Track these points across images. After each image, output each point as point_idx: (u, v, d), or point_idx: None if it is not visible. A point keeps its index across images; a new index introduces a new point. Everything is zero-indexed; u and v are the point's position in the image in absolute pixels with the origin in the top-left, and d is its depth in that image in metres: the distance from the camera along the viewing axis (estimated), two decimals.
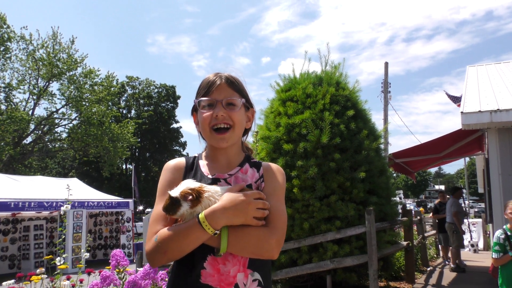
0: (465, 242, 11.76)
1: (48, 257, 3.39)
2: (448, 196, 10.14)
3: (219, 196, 1.26)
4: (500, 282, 4.03)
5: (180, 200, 1.24)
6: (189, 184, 1.27)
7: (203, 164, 1.46)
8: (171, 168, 1.45)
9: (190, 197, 1.24)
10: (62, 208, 3.52)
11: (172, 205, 1.25)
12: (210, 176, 1.40)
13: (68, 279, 3.46)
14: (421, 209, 17.38)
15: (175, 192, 1.25)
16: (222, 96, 1.40)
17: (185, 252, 1.25)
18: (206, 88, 1.42)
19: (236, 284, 1.27)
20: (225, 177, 1.40)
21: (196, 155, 1.53)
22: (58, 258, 3.37)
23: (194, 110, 1.48)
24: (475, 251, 12.26)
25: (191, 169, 1.45)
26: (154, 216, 1.34)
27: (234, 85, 1.43)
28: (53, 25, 39.17)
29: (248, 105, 1.49)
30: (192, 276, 1.28)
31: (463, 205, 11.18)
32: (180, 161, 1.48)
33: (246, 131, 1.54)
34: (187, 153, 45.01)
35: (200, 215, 1.22)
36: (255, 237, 1.25)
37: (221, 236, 1.24)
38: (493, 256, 4.03)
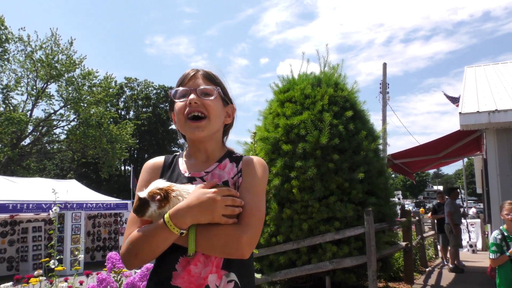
0: (464, 243, 11.79)
1: (45, 259, 3.38)
2: (446, 197, 10.18)
3: (188, 195, 1.24)
4: (497, 283, 4.04)
5: (149, 200, 1.21)
6: (158, 184, 1.25)
7: (181, 162, 1.43)
8: (148, 168, 1.43)
9: (158, 197, 1.21)
10: (51, 211, 3.51)
11: (141, 206, 1.22)
12: (186, 175, 1.37)
13: (66, 281, 3.45)
14: (421, 209, 17.40)
15: (143, 193, 1.23)
16: (196, 85, 1.37)
17: (156, 253, 1.23)
18: (181, 80, 1.40)
19: (207, 285, 1.22)
20: (201, 175, 1.35)
21: (177, 153, 1.50)
22: (52, 261, 3.36)
23: (172, 110, 1.45)
24: (473, 251, 12.27)
25: (168, 168, 1.42)
26: (130, 218, 1.33)
27: (209, 76, 1.41)
28: (52, 27, 39.16)
29: (227, 100, 1.45)
30: (163, 278, 1.25)
31: (461, 205, 11.21)
32: (158, 160, 1.46)
33: (226, 130, 1.50)
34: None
35: (165, 215, 1.19)
36: (224, 236, 1.19)
37: (188, 237, 1.20)
38: (491, 257, 4.04)
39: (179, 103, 1.37)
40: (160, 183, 1.25)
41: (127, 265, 1.26)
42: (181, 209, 1.19)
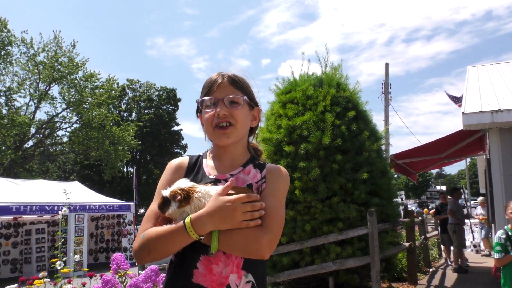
0: (467, 243, 11.76)
1: (55, 260, 3.39)
2: (449, 197, 10.18)
3: (209, 197, 1.26)
4: (502, 282, 4.02)
5: (170, 199, 1.25)
6: (181, 184, 1.28)
7: (206, 164, 1.46)
8: (173, 168, 1.45)
9: (179, 197, 1.24)
10: (60, 212, 3.53)
11: (163, 204, 1.27)
12: (211, 177, 1.39)
13: (69, 282, 3.46)
14: (425, 210, 17.35)
15: (166, 192, 1.27)
16: (224, 94, 1.38)
17: (170, 253, 1.27)
18: (208, 87, 1.41)
19: (228, 285, 1.25)
20: (226, 177, 1.38)
21: (201, 153, 1.52)
22: (58, 262, 3.37)
23: (199, 111, 1.47)
24: (477, 251, 12.23)
25: (193, 169, 1.45)
26: (147, 213, 1.36)
27: (236, 83, 1.41)
28: (54, 29, 39.30)
29: (253, 104, 1.46)
30: (185, 275, 1.28)
31: (464, 205, 11.19)
32: (183, 160, 1.48)
33: (252, 131, 1.53)
34: (188, 156, 44.97)
35: (186, 220, 1.21)
36: (246, 236, 1.22)
37: (212, 235, 1.23)
38: (495, 257, 4.02)
39: (207, 113, 1.39)
40: (183, 183, 1.28)
41: (139, 260, 1.28)
42: (203, 216, 1.21)
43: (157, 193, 1.38)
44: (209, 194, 1.27)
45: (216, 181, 1.37)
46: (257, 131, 1.57)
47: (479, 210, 12.30)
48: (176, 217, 1.27)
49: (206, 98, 1.40)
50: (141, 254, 1.26)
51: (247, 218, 1.23)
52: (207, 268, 1.26)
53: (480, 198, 12.54)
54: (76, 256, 3.98)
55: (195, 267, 1.27)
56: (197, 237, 1.20)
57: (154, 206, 1.34)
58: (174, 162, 1.47)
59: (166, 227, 1.25)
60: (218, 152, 1.46)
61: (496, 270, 4.18)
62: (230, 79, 1.41)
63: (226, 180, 1.36)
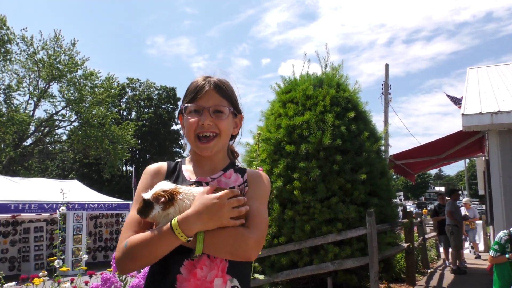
0: (466, 244, 11.77)
1: (53, 258, 3.38)
2: (447, 198, 10.19)
3: (193, 198, 1.23)
4: (494, 279, 4.07)
5: (153, 202, 1.20)
6: (163, 185, 1.24)
7: (185, 169, 1.43)
8: (151, 173, 1.41)
9: (163, 199, 1.20)
10: (58, 211, 3.53)
11: (145, 207, 1.21)
12: (192, 180, 1.37)
13: (71, 281, 3.45)
14: (424, 210, 17.35)
15: (148, 194, 1.22)
16: (210, 103, 1.35)
17: (157, 258, 1.21)
18: (193, 93, 1.37)
19: None
20: (207, 180, 1.36)
21: (179, 160, 1.50)
22: (56, 261, 3.36)
23: (181, 112, 1.44)
24: (475, 252, 12.24)
25: (172, 174, 1.42)
26: (127, 221, 1.31)
27: (222, 91, 1.39)
28: (54, 28, 39.28)
29: (236, 112, 1.44)
30: (167, 281, 1.24)
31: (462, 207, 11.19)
32: (161, 165, 1.45)
33: (233, 137, 1.51)
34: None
35: (172, 221, 1.17)
36: (232, 236, 1.20)
37: (196, 237, 1.20)
38: (490, 254, 4.06)
39: (191, 120, 1.36)
40: (165, 185, 1.25)
41: (123, 269, 1.23)
42: (190, 216, 1.18)
43: (136, 198, 1.34)
44: (193, 194, 1.24)
45: (197, 184, 1.34)
46: (237, 138, 1.54)
47: (462, 212, 12.25)
48: (159, 221, 1.23)
49: (191, 105, 1.36)
50: (125, 262, 1.21)
51: (235, 215, 1.21)
52: (191, 273, 1.23)
53: (465, 199, 12.52)
54: (84, 256, 3.97)
55: (178, 272, 1.23)
56: (185, 238, 1.17)
57: (133, 212, 1.28)
58: (152, 167, 1.44)
59: (150, 232, 1.20)
60: (198, 157, 1.43)
61: (491, 268, 4.21)
62: (216, 86, 1.38)
63: (207, 183, 1.35)
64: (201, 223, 1.18)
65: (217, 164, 1.42)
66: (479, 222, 14.17)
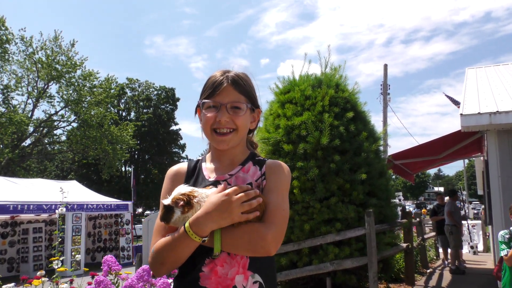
0: (465, 244, 11.77)
1: (54, 258, 3.38)
2: (446, 198, 10.21)
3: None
4: (503, 281, 3.98)
5: (173, 207, 1.23)
6: (180, 189, 1.26)
7: (205, 167, 1.44)
8: (172, 175, 1.44)
9: (181, 202, 1.22)
10: (57, 211, 3.52)
11: (166, 213, 1.24)
12: (210, 179, 1.38)
13: (71, 282, 3.45)
14: (423, 210, 17.36)
15: (167, 200, 1.24)
16: (227, 99, 1.35)
17: (182, 260, 1.25)
18: (211, 88, 1.37)
19: (234, 286, 1.24)
20: (225, 178, 1.36)
21: (200, 157, 1.51)
22: (55, 261, 3.36)
23: (198, 106, 1.44)
24: (474, 252, 12.26)
25: (192, 174, 1.43)
26: (155, 227, 1.35)
27: (240, 86, 1.38)
28: (53, 29, 39.25)
29: (254, 107, 1.44)
30: (191, 279, 1.27)
31: (461, 207, 11.21)
32: (181, 167, 1.46)
33: (250, 130, 1.51)
34: (186, 155, 45.02)
35: (186, 224, 1.20)
36: (249, 233, 1.21)
37: (214, 237, 1.21)
38: (502, 255, 3.97)
39: (208, 115, 1.36)
40: (183, 189, 1.26)
41: (156, 273, 1.29)
42: (200, 217, 1.19)
43: (161, 204, 1.37)
44: (208, 196, 1.26)
45: (215, 183, 1.35)
46: (255, 131, 1.55)
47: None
48: (180, 225, 1.26)
49: (208, 101, 1.37)
50: (155, 267, 1.27)
51: (245, 209, 1.21)
52: (213, 271, 1.25)
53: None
54: (77, 256, 3.97)
55: (201, 270, 1.26)
56: (199, 239, 1.19)
57: (159, 219, 1.34)
58: (173, 169, 1.46)
59: (170, 236, 1.25)
60: (217, 153, 1.44)
61: (498, 271, 4.16)
62: (234, 82, 1.37)
63: (225, 180, 1.35)
64: (212, 222, 1.19)
65: (236, 157, 1.43)
66: (478, 222, 14.21)
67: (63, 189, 4.35)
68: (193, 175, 1.43)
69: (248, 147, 1.50)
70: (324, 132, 5.86)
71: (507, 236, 4.00)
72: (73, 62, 24.81)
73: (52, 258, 3.43)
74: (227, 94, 1.36)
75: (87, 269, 3.67)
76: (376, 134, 6.84)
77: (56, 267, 3.25)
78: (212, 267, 1.25)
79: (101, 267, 2.87)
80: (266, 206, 1.27)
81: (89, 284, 3.57)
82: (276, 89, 6.99)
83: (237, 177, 1.37)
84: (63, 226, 11.60)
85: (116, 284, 2.82)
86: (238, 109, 1.36)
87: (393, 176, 11.99)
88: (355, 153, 6.12)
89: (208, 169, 1.43)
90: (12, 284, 3.16)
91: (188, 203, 1.22)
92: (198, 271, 1.26)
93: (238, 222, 1.21)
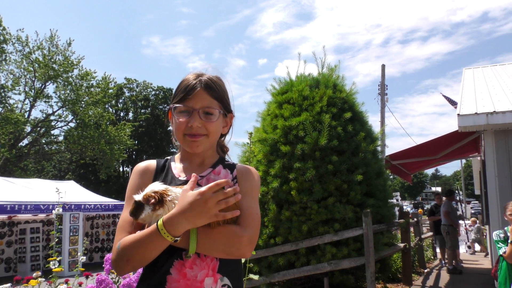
0: (462, 244, 11.81)
1: (52, 258, 3.37)
2: (444, 198, 10.24)
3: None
4: (500, 281, 4.00)
5: (144, 203, 1.20)
6: (154, 187, 1.23)
7: (175, 166, 1.42)
8: (140, 171, 1.40)
9: (153, 200, 1.19)
10: (53, 211, 3.51)
11: (136, 209, 1.21)
12: (181, 178, 1.36)
13: (66, 282, 3.44)
14: (419, 210, 17.40)
15: (139, 196, 1.22)
16: (200, 104, 1.32)
17: (149, 259, 1.19)
18: (184, 92, 1.34)
19: None
20: (197, 179, 1.34)
21: (169, 157, 1.49)
22: (52, 262, 3.34)
23: (170, 110, 1.41)
24: (472, 252, 12.30)
25: (161, 171, 1.40)
26: (120, 223, 1.30)
27: (213, 91, 1.35)
28: (49, 28, 39.13)
29: (226, 112, 1.42)
30: (157, 282, 1.23)
31: (457, 207, 11.24)
32: (150, 163, 1.43)
33: (223, 135, 1.49)
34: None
35: (158, 222, 1.15)
36: (226, 235, 1.19)
37: (190, 236, 1.18)
38: (501, 252, 3.99)
39: (180, 119, 1.34)
40: (156, 186, 1.24)
41: (118, 271, 1.23)
42: (175, 216, 1.14)
43: (127, 199, 1.33)
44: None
45: (186, 183, 1.31)
46: (228, 136, 1.53)
47: None
48: (150, 222, 1.22)
49: (179, 105, 1.34)
50: (120, 264, 1.20)
51: (222, 207, 1.16)
52: (181, 273, 1.21)
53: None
54: (83, 258, 3.95)
55: (168, 272, 1.22)
56: (172, 239, 1.14)
57: (126, 213, 1.28)
58: (140, 166, 1.42)
59: (140, 233, 1.19)
60: (187, 155, 1.42)
61: (496, 271, 4.18)
62: (207, 86, 1.35)
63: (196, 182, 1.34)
64: (187, 222, 1.14)
65: (206, 159, 1.42)
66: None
67: (60, 189, 4.34)
68: (162, 173, 1.40)
69: (218, 151, 1.48)
70: (323, 133, 5.86)
71: (501, 235, 4.03)
72: (70, 62, 24.74)
73: (50, 259, 3.42)
74: (200, 99, 1.33)
75: (83, 269, 3.65)
76: (373, 135, 6.85)
77: (53, 267, 3.24)
78: (180, 269, 1.22)
79: (103, 265, 2.86)
80: (241, 210, 1.24)
81: (80, 284, 3.55)
82: (273, 90, 6.99)
83: (208, 179, 1.36)
84: (60, 227, 11.56)
85: (118, 283, 2.82)
86: (210, 114, 1.34)
87: (391, 176, 12.01)
88: (352, 153, 6.13)
89: (177, 168, 1.41)
90: (8, 284, 3.14)
91: (160, 201, 1.19)
92: (165, 273, 1.22)
93: (215, 221, 1.18)
